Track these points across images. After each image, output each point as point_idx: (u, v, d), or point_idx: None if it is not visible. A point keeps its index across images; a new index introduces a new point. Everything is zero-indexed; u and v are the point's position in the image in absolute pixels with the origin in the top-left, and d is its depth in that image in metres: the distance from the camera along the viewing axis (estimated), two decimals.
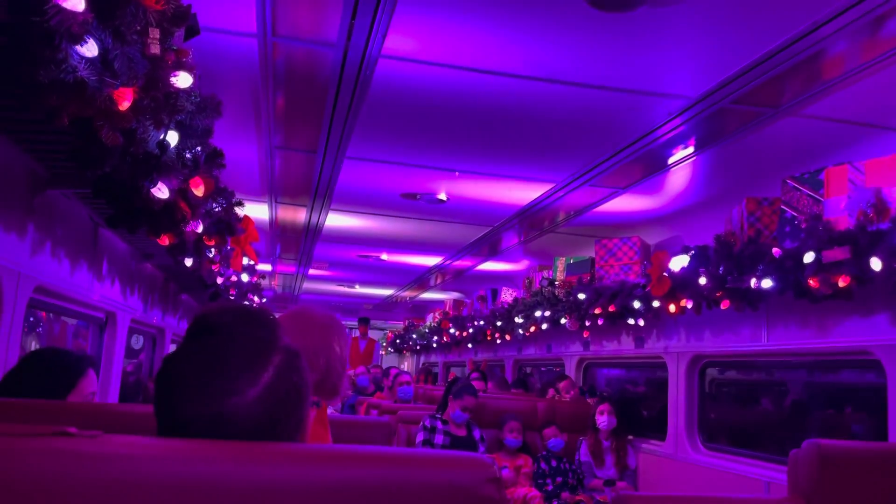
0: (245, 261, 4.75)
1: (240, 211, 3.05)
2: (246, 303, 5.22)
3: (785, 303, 3.50)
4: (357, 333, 11.68)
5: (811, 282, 2.94)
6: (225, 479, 0.85)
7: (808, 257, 2.90)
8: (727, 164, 3.61)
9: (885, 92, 2.68)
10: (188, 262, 3.32)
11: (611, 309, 4.86)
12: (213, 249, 3.49)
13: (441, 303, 10.75)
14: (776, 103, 2.80)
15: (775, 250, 3.16)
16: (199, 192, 2.15)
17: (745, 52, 2.45)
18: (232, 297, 5.30)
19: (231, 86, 2.98)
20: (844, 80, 2.57)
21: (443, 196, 4.60)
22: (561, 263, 5.90)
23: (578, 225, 5.11)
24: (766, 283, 3.21)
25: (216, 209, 2.75)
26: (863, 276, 2.77)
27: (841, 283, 2.84)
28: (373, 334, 12.31)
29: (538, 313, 6.02)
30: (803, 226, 3.07)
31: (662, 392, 4.97)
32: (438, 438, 4.64)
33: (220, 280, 4.46)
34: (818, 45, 2.34)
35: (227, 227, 2.84)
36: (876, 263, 2.66)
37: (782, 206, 3.28)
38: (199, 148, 2.25)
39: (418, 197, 4.66)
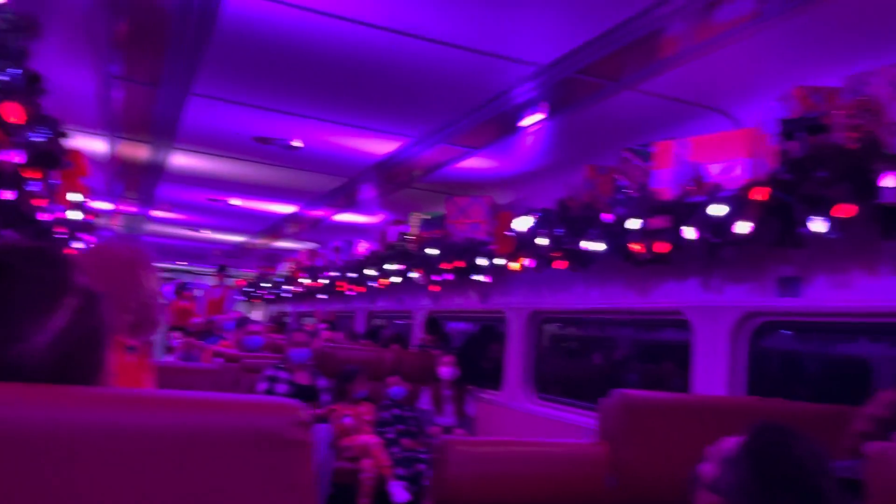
0: (75, 197, 4.42)
1: (67, 143, 2.82)
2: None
3: (614, 265, 3.77)
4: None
5: (634, 246, 3.18)
6: (18, 423, 0.81)
7: (632, 223, 3.13)
8: (574, 132, 3.79)
9: (713, 74, 2.90)
10: (7, 195, 3.04)
11: (459, 265, 5.00)
12: (37, 183, 3.22)
13: (296, 252, 10.56)
14: (616, 76, 2.96)
15: (604, 216, 3.38)
16: (13, 118, 1.97)
17: (593, 25, 2.57)
18: (62, 235, 4.92)
19: (62, 5, 2.72)
20: (677, 60, 2.76)
21: (297, 143, 4.49)
22: (416, 219, 5.97)
23: (433, 181, 5.18)
24: (596, 246, 3.43)
25: (38, 139, 2.53)
26: (678, 244, 3.03)
27: (660, 249, 3.09)
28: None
29: (390, 266, 6.08)
30: (632, 194, 3.30)
31: (502, 344, 5.21)
32: (281, 388, 4.62)
33: (47, 217, 4.12)
34: (656, 24, 2.48)
35: (51, 158, 2.62)
36: (689, 232, 2.92)
37: (616, 176, 3.50)
38: (18, 71, 2.05)
39: (272, 142, 4.52)
